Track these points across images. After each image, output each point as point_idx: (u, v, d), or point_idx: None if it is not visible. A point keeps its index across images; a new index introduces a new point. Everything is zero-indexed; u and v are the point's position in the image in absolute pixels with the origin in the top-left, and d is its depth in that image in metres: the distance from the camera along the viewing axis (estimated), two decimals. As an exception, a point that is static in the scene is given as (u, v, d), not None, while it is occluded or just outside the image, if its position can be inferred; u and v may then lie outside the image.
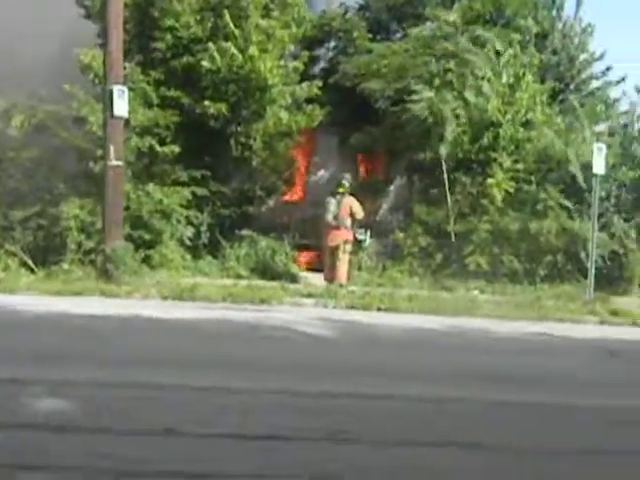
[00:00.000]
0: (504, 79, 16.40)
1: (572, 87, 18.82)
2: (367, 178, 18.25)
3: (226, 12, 15.10)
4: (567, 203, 15.27)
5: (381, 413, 5.41)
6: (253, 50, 14.94)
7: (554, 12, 19.47)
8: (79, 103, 14.22)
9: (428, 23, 16.40)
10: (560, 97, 18.17)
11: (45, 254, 13.27)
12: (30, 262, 13.04)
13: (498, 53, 16.40)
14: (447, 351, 8.21)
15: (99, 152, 13.21)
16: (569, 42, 19.09)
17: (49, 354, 6.66)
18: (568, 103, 17.75)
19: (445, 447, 4.69)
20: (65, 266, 12.64)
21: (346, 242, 13.31)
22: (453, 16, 15.63)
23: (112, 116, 12.21)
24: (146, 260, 13.53)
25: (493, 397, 5.96)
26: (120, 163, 12.36)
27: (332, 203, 13.42)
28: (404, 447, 4.66)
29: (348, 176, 14.18)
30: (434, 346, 8.60)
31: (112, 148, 12.19)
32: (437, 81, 15.48)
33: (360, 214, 13.38)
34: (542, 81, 17.25)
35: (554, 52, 19.03)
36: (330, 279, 13.28)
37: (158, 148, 14.69)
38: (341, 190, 13.51)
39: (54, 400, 5.12)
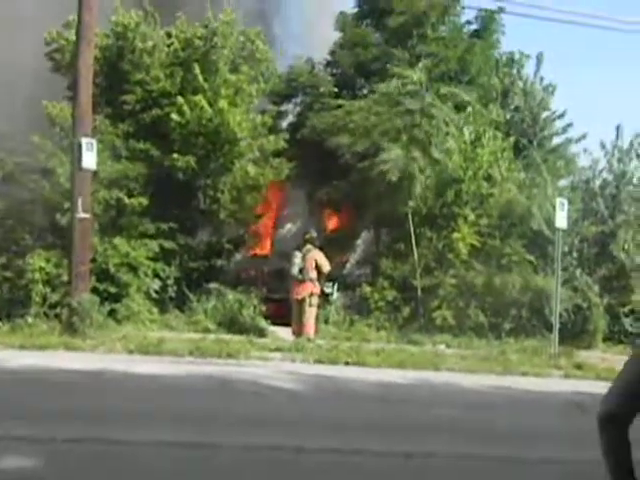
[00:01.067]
0: (466, 136, 16.77)
1: (535, 143, 19.28)
2: (334, 232, 18.41)
3: (196, 66, 15.31)
4: (531, 258, 15.50)
5: (350, 467, 5.40)
6: (222, 103, 15.15)
7: (514, 71, 20.05)
8: (47, 155, 14.23)
9: (394, 80, 16.76)
10: (523, 153, 18.58)
11: (9, 307, 13.10)
12: (-6, 315, 12.86)
13: (459, 109, 16.79)
14: (413, 404, 8.23)
15: (66, 204, 13.18)
16: (531, 100, 19.63)
17: (12, 409, 6.56)
18: (531, 159, 18.17)
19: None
20: (29, 319, 12.48)
21: (312, 295, 13.34)
22: (417, 74, 16.00)
23: (80, 168, 12.22)
24: (112, 313, 13.41)
25: (458, 450, 5.99)
26: (87, 215, 12.33)
27: (297, 256, 13.49)
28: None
29: (313, 230, 14.29)
30: (400, 400, 8.62)
31: (80, 200, 12.16)
32: (404, 137, 15.75)
33: (326, 267, 13.43)
34: (507, 136, 17.65)
35: (516, 109, 19.53)
36: (298, 333, 13.28)
37: (126, 200, 14.72)
38: (306, 244, 13.59)
39: (18, 457, 5.04)
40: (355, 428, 6.65)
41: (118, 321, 13.36)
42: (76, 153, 12.27)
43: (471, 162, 16.50)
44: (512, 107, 19.60)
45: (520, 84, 19.79)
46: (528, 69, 19.96)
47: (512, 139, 17.75)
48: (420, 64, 16.78)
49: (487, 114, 17.46)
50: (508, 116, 19.16)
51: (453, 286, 15.24)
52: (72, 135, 12.77)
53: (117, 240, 14.22)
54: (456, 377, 10.56)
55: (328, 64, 19.42)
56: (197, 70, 15.27)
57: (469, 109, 17.12)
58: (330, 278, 13.93)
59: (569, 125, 19.75)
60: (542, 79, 19.86)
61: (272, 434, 6.16)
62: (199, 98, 15.15)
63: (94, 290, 12.88)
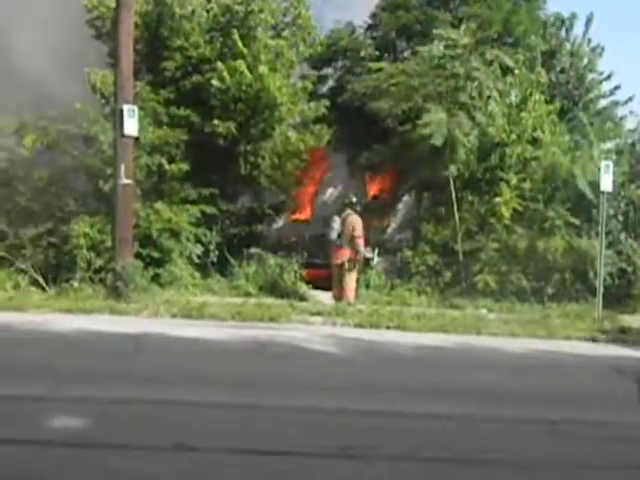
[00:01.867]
0: (512, 98, 16.48)
1: (580, 106, 18.92)
2: (375, 196, 18.33)
3: (235, 31, 15.26)
4: (574, 221, 15.28)
5: (390, 430, 5.43)
6: (262, 69, 15.09)
7: (563, 31, 19.64)
8: (90, 122, 14.35)
9: (436, 42, 16.51)
10: (568, 116, 18.25)
11: (56, 272, 13.35)
12: (41, 280, 13.13)
13: (504, 73, 16.49)
14: (455, 368, 8.22)
15: (109, 171, 13.33)
16: (578, 62, 19.22)
17: (62, 371, 6.71)
18: (576, 121, 17.83)
19: (453, 463, 4.72)
20: (75, 284, 12.72)
21: (350, 260, 13.36)
22: (462, 37, 15.70)
23: (122, 135, 12.32)
24: (155, 278, 13.59)
25: (504, 414, 5.98)
26: (130, 181, 12.46)
27: (336, 221, 13.49)
28: (414, 462, 4.68)
29: (353, 195, 14.27)
30: (442, 363, 8.62)
31: (122, 167, 12.28)
32: (447, 101, 15.52)
33: (358, 232, 13.37)
34: (551, 99, 17.33)
35: (562, 71, 19.15)
36: (338, 297, 13.33)
37: (167, 166, 14.81)
38: (346, 209, 13.58)
39: (68, 417, 5.16)
40: (396, 390, 6.67)
41: (161, 286, 13.55)
42: (118, 120, 12.36)
43: (515, 125, 16.24)
44: (558, 69, 19.22)
45: (567, 45, 19.39)
46: (576, 30, 19.57)
47: (557, 101, 17.42)
48: (463, 26, 16.48)
49: (533, 76, 17.12)
50: (554, 78, 18.79)
51: (495, 250, 15.11)
52: (114, 102, 12.87)
53: (159, 206, 14.34)
54: (499, 341, 10.52)
55: (369, 27, 19.21)
56: (236, 36, 15.22)
57: (516, 71, 16.78)
58: (370, 243, 13.87)
59: (616, 88, 19.35)
60: (590, 41, 19.46)
61: (312, 396, 6.21)
62: (239, 63, 15.11)
63: (137, 255, 13.06)
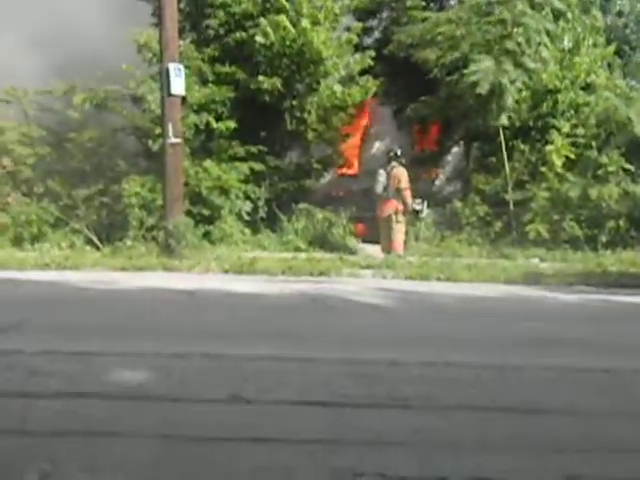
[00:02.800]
0: (565, 42, 16.05)
1: (639, 49, 18.36)
2: (424, 148, 18.16)
3: (276, -15, 15.11)
4: (630, 167, 14.94)
5: (441, 380, 5.46)
6: (305, 23, 14.95)
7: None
8: (137, 82, 14.45)
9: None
10: (624, 60, 17.73)
11: (109, 231, 13.61)
12: (95, 239, 13.40)
13: (557, 17, 16.03)
14: (508, 318, 8.19)
15: (157, 130, 13.44)
16: (636, 3, 18.59)
17: (117, 327, 6.87)
18: (633, 65, 17.33)
19: (507, 412, 4.73)
20: (128, 242, 12.96)
21: (397, 212, 13.31)
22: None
23: (169, 94, 12.37)
24: (206, 235, 13.77)
25: (555, 363, 5.95)
26: (179, 140, 12.54)
27: (382, 174, 13.43)
28: (466, 412, 4.70)
29: (397, 147, 14.16)
30: (494, 314, 8.59)
31: (170, 126, 12.36)
32: (495, 48, 15.19)
33: (404, 184, 13.29)
34: (607, 43, 16.84)
35: (619, 14, 18.56)
36: (387, 250, 13.32)
37: (215, 124, 14.87)
38: (391, 162, 13.50)
39: (125, 371, 5.30)
40: (447, 341, 6.68)
41: (212, 242, 13.72)
42: (165, 79, 12.41)
43: (568, 71, 15.86)
44: (615, 12, 18.62)
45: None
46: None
47: (613, 45, 16.92)
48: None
49: (588, 20, 16.61)
50: (610, 21, 18.22)
51: (547, 199, 14.88)
52: (160, 61, 12.90)
53: (208, 164, 14.45)
54: (552, 291, 10.42)
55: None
56: (278, -11, 15.08)
57: (568, 15, 16.28)
58: (417, 195, 13.80)
59: (677, 31, 18.70)
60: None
61: (365, 348, 6.26)
62: (282, 18, 14.99)
63: (188, 213, 13.21)
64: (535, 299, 9.80)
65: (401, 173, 13.38)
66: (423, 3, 17.97)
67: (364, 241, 14.71)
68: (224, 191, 14.46)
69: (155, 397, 4.78)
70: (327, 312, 8.33)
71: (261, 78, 15.11)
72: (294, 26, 15.03)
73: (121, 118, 14.89)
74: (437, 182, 18.30)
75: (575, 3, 16.61)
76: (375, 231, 14.17)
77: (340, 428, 4.31)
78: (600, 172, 14.96)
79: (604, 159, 14.99)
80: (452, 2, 18.23)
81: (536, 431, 4.40)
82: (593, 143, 15.48)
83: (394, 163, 13.46)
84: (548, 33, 15.50)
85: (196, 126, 14.64)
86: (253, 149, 15.16)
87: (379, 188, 13.37)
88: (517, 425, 4.51)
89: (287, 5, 15.14)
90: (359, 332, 7.09)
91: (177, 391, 4.91)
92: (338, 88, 15.84)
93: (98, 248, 13.18)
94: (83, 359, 5.61)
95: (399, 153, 13.69)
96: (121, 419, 4.37)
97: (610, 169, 14.88)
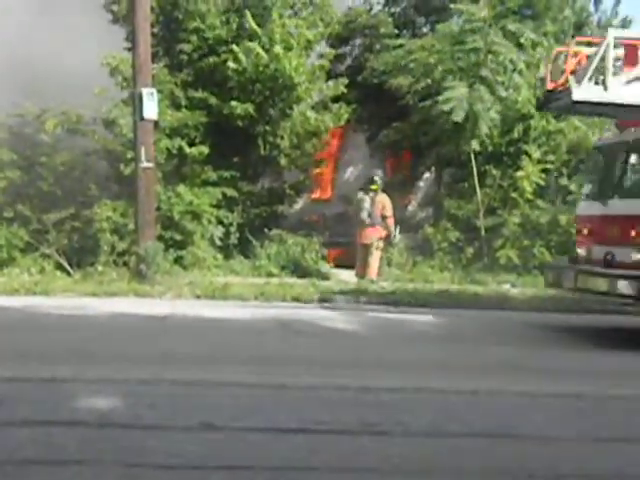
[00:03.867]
0: (541, 70, 16.23)
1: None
2: (395, 174, 18.27)
3: (247, 12, 15.18)
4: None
5: (413, 405, 5.45)
6: (278, 49, 15.02)
7: (591, 4, 19.42)
8: (109, 106, 14.41)
9: (455, 17, 16.33)
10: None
11: (80, 256, 13.49)
12: (65, 264, 13.27)
13: (533, 46, 16.25)
14: (474, 343, 8.22)
15: (130, 154, 13.38)
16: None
17: (87, 353, 6.79)
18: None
19: (479, 436, 4.73)
20: (99, 268, 12.84)
21: (379, 239, 13.43)
22: (483, 11, 15.48)
23: (142, 118, 12.35)
24: (178, 260, 13.70)
25: (523, 389, 5.98)
26: (151, 165, 12.51)
27: (367, 201, 13.51)
28: (437, 438, 4.70)
29: (379, 172, 14.27)
30: (463, 339, 8.62)
31: (143, 150, 12.33)
32: (469, 76, 15.34)
33: (389, 212, 13.46)
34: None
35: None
36: (361, 275, 13.36)
37: (187, 149, 14.85)
38: (374, 188, 13.59)
39: (93, 398, 5.23)
40: (418, 367, 6.69)
41: (184, 268, 13.64)
42: (137, 103, 12.39)
43: (542, 98, 16.07)
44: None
45: (595, 18, 19.18)
46: (606, 4, 19.37)
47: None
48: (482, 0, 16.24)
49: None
50: (582, 51, 18.49)
51: (517, 225, 15.03)
52: (133, 86, 12.89)
53: (180, 188, 14.41)
54: (520, 315, 10.49)
55: (387, 3, 19.04)
56: (249, 17, 15.14)
57: (544, 43, 16.46)
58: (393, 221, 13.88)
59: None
60: (617, 13, 19.24)
61: (336, 374, 6.24)
62: (254, 45, 15.06)
63: (160, 238, 13.14)
64: (504, 323, 9.85)
65: (385, 200, 13.51)
66: (396, 31, 18.16)
67: (337, 266, 14.72)
68: (196, 216, 14.41)
69: (122, 425, 4.72)
70: (299, 337, 8.31)
71: (234, 103, 15.13)
72: (267, 52, 15.11)
73: (93, 142, 14.81)
74: (409, 207, 18.41)
75: (551, 32, 16.84)
76: (348, 256, 14.19)
77: (310, 455, 4.28)
78: (569, 198, 15.14)
79: (574, 186, 15.19)
80: (425, 30, 18.45)
81: (504, 455, 4.42)
82: (564, 170, 15.67)
83: (374, 189, 13.55)
84: (522, 61, 15.68)
85: (168, 150, 14.60)
86: (226, 174, 15.16)
87: (364, 215, 13.46)
88: (485, 449, 4.52)
89: (259, 31, 15.21)
90: (330, 357, 7.08)
91: (147, 419, 4.85)
92: (311, 114, 15.91)
93: (69, 273, 13.05)
94: (48, 385, 5.54)
95: (379, 180, 13.79)
96: (88, 447, 4.31)
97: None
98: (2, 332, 7.83)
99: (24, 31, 16.14)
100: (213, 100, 15.31)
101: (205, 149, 14.93)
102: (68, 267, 13.22)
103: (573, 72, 9.09)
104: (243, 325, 9.00)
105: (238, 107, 15.12)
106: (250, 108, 15.19)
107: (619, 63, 9.22)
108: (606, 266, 8.70)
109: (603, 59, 8.86)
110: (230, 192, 15.07)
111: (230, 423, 4.77)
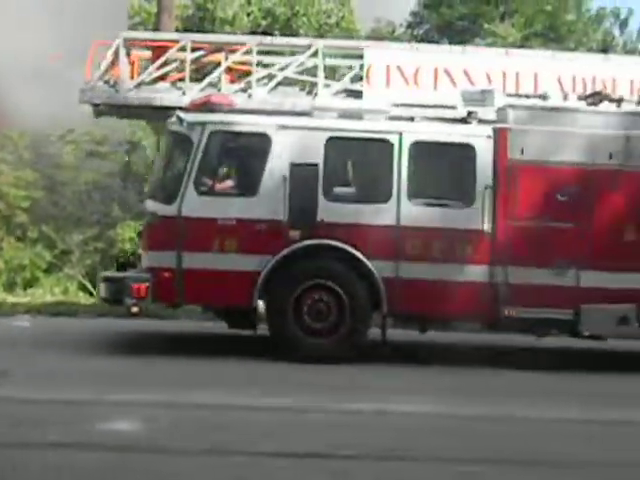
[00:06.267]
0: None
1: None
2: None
3: (277, 34, 15.20)
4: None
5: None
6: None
7: (617, 27, 19.35)
8: (132, 128, 14.47)
9: (479, 39, 16.30)
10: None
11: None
12: (88, 285, 13.25)
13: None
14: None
15: (153, 175, 13.38)
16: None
17: (107, 375, 6.70)
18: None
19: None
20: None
21: None
22: (511, 33, 15.40)
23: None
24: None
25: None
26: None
27: None
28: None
29: None
30: None
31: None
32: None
33: None
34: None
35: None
36: None
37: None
38: None
39: (111, 421, 5.13)
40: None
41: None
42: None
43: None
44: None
45: (621, 40, 19.08)
46: (632, 26, 19.29)
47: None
48: (507, 21, 16.21)
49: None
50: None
51: None
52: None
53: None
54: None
55: (409, 25, 19.07)
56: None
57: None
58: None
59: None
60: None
61: None
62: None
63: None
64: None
65: None
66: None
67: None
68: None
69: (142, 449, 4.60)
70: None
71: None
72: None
73: (117, 163, 14.87)
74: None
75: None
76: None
77: None
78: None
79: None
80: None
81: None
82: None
83: None
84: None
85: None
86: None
87: None
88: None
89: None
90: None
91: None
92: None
93: (92, 294, 13.01)
94: (63, 407, 5.44)
95: None
96: (109, 472, 4.20)
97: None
98: (25, 351, 7.73)
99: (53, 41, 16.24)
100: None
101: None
102: (91, 288, 13.19)
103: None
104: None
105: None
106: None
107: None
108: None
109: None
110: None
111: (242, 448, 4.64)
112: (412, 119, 7.92)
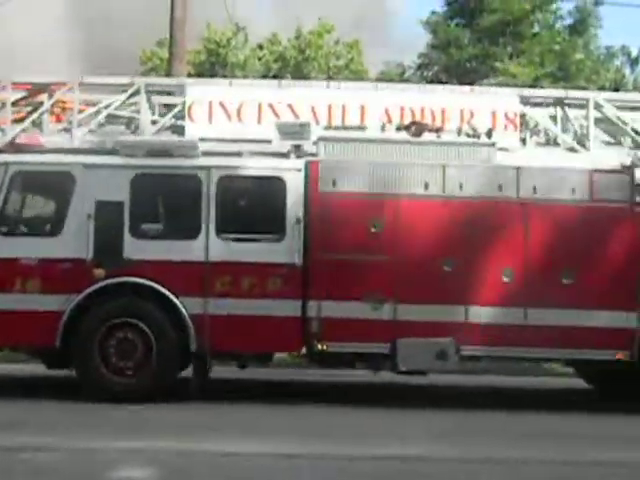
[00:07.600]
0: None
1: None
2: None
3: (288, 77, 15.27)
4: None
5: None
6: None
7: (627, 65, 19.45)
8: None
9: (488, 80, 16.35)
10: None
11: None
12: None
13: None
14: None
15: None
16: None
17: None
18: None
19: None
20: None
21: None
22: (523, 72, 15.41)
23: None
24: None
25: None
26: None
27: None
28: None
29: None
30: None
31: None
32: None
33: None
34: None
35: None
36: None
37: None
38: None
39: (128, 468, 5.05)
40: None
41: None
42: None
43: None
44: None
45: (631, 78, 19.15)
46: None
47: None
48: (516, 61, 16.25)
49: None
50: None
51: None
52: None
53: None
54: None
55: (419, 67, 19.16)
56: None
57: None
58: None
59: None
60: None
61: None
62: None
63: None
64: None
65: None
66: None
67: None
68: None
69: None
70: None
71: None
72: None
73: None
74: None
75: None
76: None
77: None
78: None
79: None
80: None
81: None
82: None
83: None
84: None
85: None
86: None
87: None
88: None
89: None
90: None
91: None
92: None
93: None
94: (83, 456, 5.36)
95: None
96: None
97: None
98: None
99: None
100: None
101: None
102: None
103: None
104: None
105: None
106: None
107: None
108: None
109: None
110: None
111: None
112: (240, 154, 7.82)
